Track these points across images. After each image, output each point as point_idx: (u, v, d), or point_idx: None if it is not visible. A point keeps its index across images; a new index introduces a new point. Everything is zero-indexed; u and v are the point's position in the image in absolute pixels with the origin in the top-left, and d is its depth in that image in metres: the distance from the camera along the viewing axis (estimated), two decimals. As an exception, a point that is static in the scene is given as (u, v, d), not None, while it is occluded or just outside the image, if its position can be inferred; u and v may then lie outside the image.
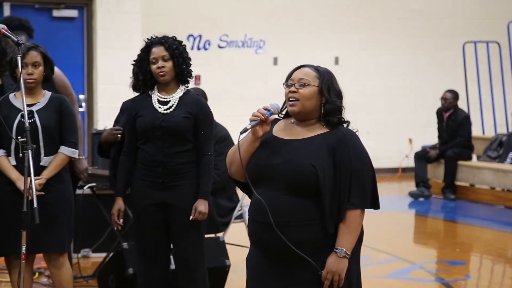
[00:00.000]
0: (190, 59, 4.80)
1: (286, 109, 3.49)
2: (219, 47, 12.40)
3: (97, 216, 6.63)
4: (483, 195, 10.86)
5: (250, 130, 3.40)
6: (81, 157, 5.28)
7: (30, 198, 4.23)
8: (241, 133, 3.40)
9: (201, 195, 4.73)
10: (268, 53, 12.74)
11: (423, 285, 6.75)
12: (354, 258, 3.42)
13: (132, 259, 5.55)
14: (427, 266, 7.47)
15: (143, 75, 4.76)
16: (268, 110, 3.41)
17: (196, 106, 4.74)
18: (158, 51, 4.71)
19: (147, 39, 4.82)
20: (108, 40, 10.62)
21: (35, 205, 4.00)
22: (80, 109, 7.02)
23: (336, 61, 12.92)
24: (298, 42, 12.67)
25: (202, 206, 4.72)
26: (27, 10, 10.62)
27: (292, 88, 3.42)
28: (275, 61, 12.77)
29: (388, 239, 8.35)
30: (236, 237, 7.07)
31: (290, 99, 3.42)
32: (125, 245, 5.66)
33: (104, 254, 6.46)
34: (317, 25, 12.81)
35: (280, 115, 3.52)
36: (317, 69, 3.46)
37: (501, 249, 8.37)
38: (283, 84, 3.48)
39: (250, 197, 3.50)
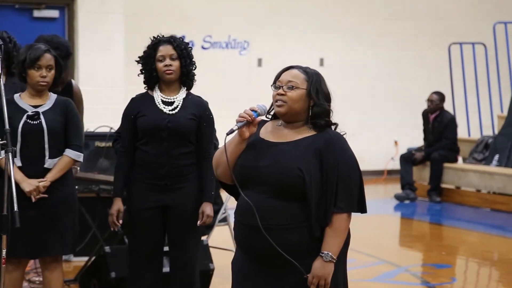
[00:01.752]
0: (194, 62, 4.77)
1: (273, 111, 3.45)
2: (203, 48, 12.33)
3: (79, 220, 6.53)
4: (469, 197, 10.84)
5: (236, 131, 3.35)
6: (76, 168, 5.23)
7: (34, 200, 4.45)
8: (228, 134, 3.36)
9: (207, 198, 4.72)
10: (252, 54, 12.68)
11: (409, 288, 6.72)
12: (341, 262, 3.38)
13: (114, 263, 5.49)
14: (413, 269, 7.43)
15: (148, 73, 4.71)
16: (255, 111, 3.37)
17: (200, 108, 4.73)
18: (166, 49, 4.67)
19: (153, 37, 4.77)
20: (90, 41, 10.53)
21: (16, 208, 3.93)
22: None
23: (321, 62, 12.88)
24: (282, 43, 12.62)
25: (209, 209, 4.71)
26: (7, 10, 10.51)
27: (280, 91, 3.38)
28: (259, 62, 12.71)
29: (374, 242, 8.31)
30: (220, 241, 7.02)
31: (278, 101, 3.38)
32: (107, 248, 5.61)
33: (86, 258, 6.38)
34: (302, 26, 12.77)
35: (267, 116, 3.48)
36: (305, 71, 3.42)
37: (487, 252, 8.34)
38: (271, 85, 3.43)
39: (236, 200, 3.46)
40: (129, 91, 10.44)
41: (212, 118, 4.80)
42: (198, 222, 4.70)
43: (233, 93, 12.22)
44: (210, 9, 12.39)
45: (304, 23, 12.79)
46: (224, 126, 3.39)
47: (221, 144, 3.43)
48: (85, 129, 5.88)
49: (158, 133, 4.64)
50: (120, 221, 4.73)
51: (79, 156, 4.75)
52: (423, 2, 13.36)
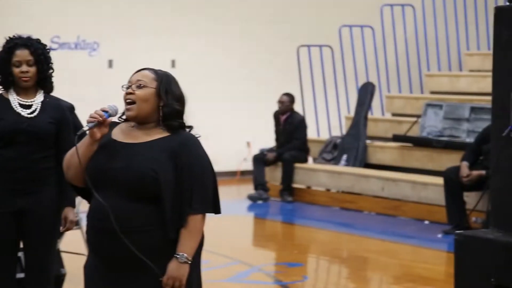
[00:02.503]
0: (52, 64, 4.66)
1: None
2: (51, 49, 11.98)
3: None
4: (319, 196, 11.09)
5: (86, 131, 3.29)
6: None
7: None
8: (78, 135, 3.30)
9: (69, 203, 4.62)
10: (102, 55, 12.49)
11: (262, 287, 6.78)
12: (195, 262, 3.38)
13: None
14: (266, 268, 7.53)
15: (4, 77, 4.55)
16: (106, 112, 3.32)
17: (59, 112, 4.62)
18: (22, 54, 4.52)
19: (9, 37, 4.59)
20: None
21: None
22: None
23: (173, 63, 12.85)
24: (134, 44, 12.50)
25: (72, 214, 4.62)
26: None
27: (129, 90, 3.35)
28: (110, 63, 12.54)
29: (228, 243, 8.36)
30: (72, 245, 6.86)
31: (127, 100, 3.35)
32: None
33: None
34: (154, 27, 12.69)
35: (120, 119, 3.43)
36: (156, 71, 3.41)
37: (337, 250, 8.55)
38: (122, 87, 3.39)
39: (89, 202, 3.40)
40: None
41: (71, 121, 4.71)
42: (61, 228, 4.61)
43: (83, 95, 11.97)
44: (58, 9, 12.12)
45: (156, 24, 12.71)
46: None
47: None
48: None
49: (15, 136, 4.50)
50: None
51: None
52: (273, 6, 13.56)
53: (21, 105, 4.56)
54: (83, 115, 3.35)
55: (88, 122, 3.29)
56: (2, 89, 4.63)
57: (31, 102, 4.58)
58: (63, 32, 12.13)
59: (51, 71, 4.66)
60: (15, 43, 4.56)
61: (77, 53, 12.31)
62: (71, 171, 3.37)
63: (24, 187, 4.52)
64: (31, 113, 4.56)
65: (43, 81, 4.61)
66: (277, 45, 13.49)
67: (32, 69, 4.55)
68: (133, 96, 3.33)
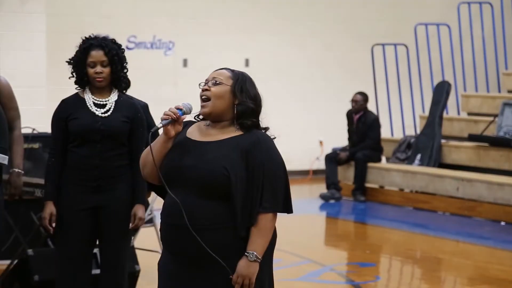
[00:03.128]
0: (127, 64, 4.72)
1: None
2: (127, 48, 12.22)
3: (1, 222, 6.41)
4: (392, 196, 11.00)
5: (161, 129, 3.32)
6: (19, 171, 5.10)
7: None
8: (152, 132, 3.33)
9: (139, 200, 4.67)
10: (177, 54, 12.62)
11: (334, 287, 6.78)
12: (266, 261, 3.38)
13: (37, 266, 5.41)
14: (338, 268, 7.51)
15: (79, 77, 4.64)
16: (180, 109, 3.35)
17: (132, 110, 4.69)
18: (97, 55, 4.61)
19: (85, 37, 4.68)
20: (11, 41, 10.33)
21: None
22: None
23: (247, 63, 12.91)
24: (208, 43, 12.60)
25: (141, 211, 4.67)
26: None
27: (205, 86, 3.38)
28: (185, 62, 12.67)
29: (300, 242, 8.36)
30: (146, 242, 6.96)
31: (202, 97, 3.37)
32: (30, 251, 5.51)
33: (8, 261, 6.25)
34: (227, 26, 12.77)
35: (196, 118, 3.46)
36: (232, 70, 3.44)
37: (410, 250, 8.48)
38: (199, 85, 3.42)
39: (163, 199, 3.43)
40: (51, 91, 10.29)
41: (145, 120, 4.77)
42: (130, 225, 4.66)
43: (158, 94, 12.15)
44: (134, 8, 12.29)
45: (229, 24, 12.79)
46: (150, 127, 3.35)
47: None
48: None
49: (91, 136, 4.59)
50: (53, 225, 4.64)
51: (4, 159, 4.63)
52: (347, 4, 13.50)
53: (96, 105, 4.64)
54: (159, 114, 3.39)
55: (162, 119, 3.32)
56: (79, 88, 4.73)
57: (105, 101, 4.65)
58: (139, 32, 12.31)
59: (125, 70, 4.71)
60: (90, 43, 4.63)
61: (153, 53, 12.47)
62: (147, 168, 3.40)
63: (99, 184, 4.60)
64: (105, 112, 4.63)
65: (117, 80, 4.67)
66: (351, 44, 13.43)
67: (106, 70, 4.62)
68: (208, 93, 3.36)
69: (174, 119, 3.32)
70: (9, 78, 11.24)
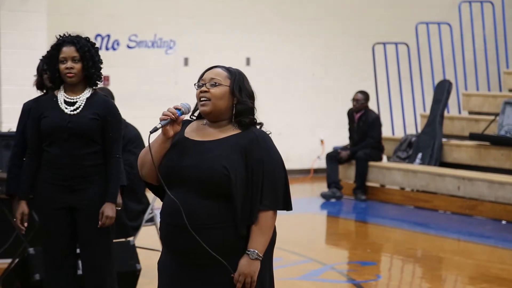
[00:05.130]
0: (101, 62, 4.68)
1: (197, 111, 3.43)
2: (128, 47, 12.22)
3: (1, 221, 6.41)
4: (393, 195, 11.00)
5: (160, 129, 3.32)
6: None
7: None
8: (151, 132, 3.32)
9: (109, 198, 4.63)
10: (178, 53, 12.62)
11: (335, 286, 6.77)
12: (267, 260, 3.38)
13: (38, 265, 5.41)
14: (339, 267, 7.50)
15: (51, 73, 4.63)
16: (179, 110, 3.35)
17: (104, 108, 4.64)
18: (68, 51, 4.59)
19: (60, 36, 4.68)
20: (12, 40, 10.33)
21: None
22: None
23: (248, 62, 12.91)
24: (209, 42, 12.60)
25: (109, 210, 4.61)
26: None
27: (203, 88, 3.37)
28: (186, 61, 12.67)
29: (300, 241, 8.36)
30: (147, 241, 6.97)
31: (202, 99, 3.37)
32: (31, 250, 5.51)
33: (9, 260, 6.25)
34: (228, 25, 12.77)
35: (192, 116, 3.46)
36: (228, 69, 3.42)
37: (411, 249, 8.47)
38: (194, 84, 3.41)
39: (162, 200, 3.43)
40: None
41: (119, 117, 4.71)
42: (99, 224, 4.60)
43: (159, 93, 12.15)
44: (135, 7, 12.29)
45: (230, 23, 12.79)
46: (150, 126, 3.36)
47: (145, 143, 3.40)
48: (8, 129, 5.77)
49: (58, 134, 4.57)
50: (25, 224, 4.64)
51: None
52: (348, 3, 13.50)
53: (66, 102, 4.61)
54: (160, 112, 3.39)
55: (161, 120, 3.32)
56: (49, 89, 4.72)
57: (76, 99, 4.62)
58: (140, 31, 12.31)
59: (97, 69, 4.64)
60: (62, 40, 4.63)
61: (154, 51, 12.47)
62: (145, 169, 3.40)
63: (70, 184, 4.58)
64: (75, 110, 4.60)
65: (89, 78, 4.63)
66: (352, 43, 13.43)
67: (77, 66, 4.58)
68: (207, 95, 3.35)
69: (173, 120, 3.32)
70: (11, 77, 11.31)
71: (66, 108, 4.59)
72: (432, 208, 10.32)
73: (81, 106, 4.60)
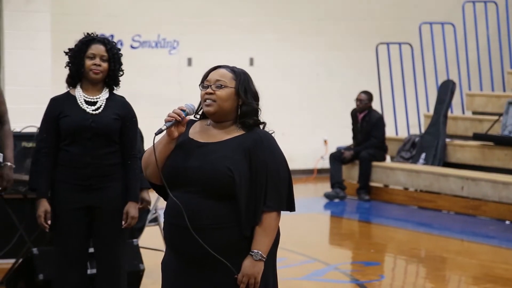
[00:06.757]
0: (122, 67, 4.73)
1: (202, 111, 3.42)
2: (132, 47, 12.23)
3: (5, 221, 6.42)
4: (397, 195, 10.99)
5: (165, 131, 3.32)
6: (11, 165, 5.12)
7: None
8: (156, 134, 3.32)
9: (133, 197, 4.67)
10: (182, 53, 12.63)
11: (338, 286, 6.77)
12: (270, 260, 3.38)
13: (42, 265, 5.41)
14: (342, 267, 7.50)
15: (76, 67, 4.63)
16: (184, 111, 3.34)
17: (124, 108, 4.70)
18: (98, 49, 4.63)
19: (87, 33, 4.70)
20: (16, 40, 10.35)
21: None
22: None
23: (251, 62, 12.91)
24: (212, 42, 12.61)
25: (133, 210, 4.66)
26: None
27: (209, 90, 3.36)
28: (189, 62, 12.67)
29: (304, 241, 8.36)
30: (151, 241, 6.97)
31: (207, 100, 3.36)
32: (35, 250, 5.51)
33: (12, 261, 6.26)
34: (232, 25, 12.77)
35: (196, 116, 3.45)
36: (233, 70, 3.41)
37: (415, 249, 8.47)
38: (199, 85, 3.41)
39: (165, 200, 3.43)
40: (55, 90, 10.28)
41: (136, 118, 4.77)
42: (123, 224, 4.65)
43: (163, 93, 12.16)
44: (139, 7, 12.30)
45: (234, 23, 12.79)
46: (154, 127, 3.36)
47: (149, 144, 3.40)
48: (12, 129, 5.76)
49: (81, 133, 4.58)
50: (49, 222, 4.65)
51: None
52: (352, 3, 13.50)
53: (87, 102, 4.63)
54: (163, 112, 3.39)
55: (166, 121, 3.32)
56: (69, 87, 4.71)
57: (97, 98, 4.65)
58: (143, 31, 12.32)
59: (120, 73, 4.71)
60: (93, 37, 4.66)
61: (157, 52, 12.47)
62: (149, 169, 3.40)
63: (91, 183, 4.59)
64: (96, 109, 4.62)
65: (111, 79, 4.67)
66: (356, 43, 13.42)
67: (104, 65, 4.62)
68: (213, 96, 3.34)
69: (178, 121, 3.32)
70: (14, 77, 11.35)
71: (88, 108, 4.61)
72: (435, 208, 10.31)
73: (102, 106, 4.63)
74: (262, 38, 12.94)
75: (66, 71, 4.73)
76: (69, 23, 11.43)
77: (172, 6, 12.45)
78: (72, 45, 4.74)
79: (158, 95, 12.13)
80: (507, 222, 9.37)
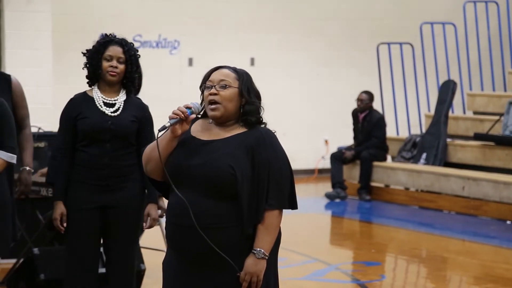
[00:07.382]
0: (140, 70, 4.75)
1: (203, 110, 3.42)
2: (133, 47, 12.21)
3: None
4: (398, 195, 10.99)
5: (169, 128, 3.32)
6: (30, 169, 5.12)
7: None
8: (160, 130, 3.32)
9: (152, 199, 4.70)
10: (183, 53, 12.63)
11: (339, 286, 6.77)
12: (272, 259, 3.38)
13: (43, 265, 5.41)
14: (343, 267, 7.50)
15: (94, 68, 4.63)
16: (189, 109, 3.34)
17: (141, 110, 4.70)
18: (115, 50, 4.62)
19: (105, 34, 4.70)
20: (17, 40, 10.35)
21: None
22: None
23: (252, 62, 12.91)
24: (213, 42, 12.61)
25: (154, 211, 4.70)
26: None
27: (213, 90, 3.35)
28: (190, 61, 12.67)
29: (305, 241, 8.36)
30: (151, 241, 6.97)
31: (211, 101, 3.35)
32: (35, 250, 5.51)
33: (13, 261, 6.26)
34: (233, 25, 12.77)
35: (198, 115, 3.44)
36: (235, 70, 3.42)
37: (415, 249, 8.47)
38: (201, 86, 3.40)
39: (166, 198, 3.43)
40: (57, 90, 10.30)
41: (152, 119, 4.78)
42: (144, 225, 4.68)
43: (164, 93, 12.15)
44: (140, 8, 12.30)
45: (235, 23, 12.80)
46: (155, 126, 3.36)
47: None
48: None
49: (100, 135, 4.59)
50: (65, 224, 4.64)
51: (12, 158, 4.62)
52: (353, 3, 13.50)
53: (105, 103, 4.64)
54: (163, 113, 3.39)
55: (171, 118, 3.31)
56: (87, 87, 4.72)
57: (115, 100, 4.65)
58: (144, 31, 12.32)
59: (137, 75, 4.72)
60: (110, 39, 4.66)
61: (158, 52, 12.48)
62: (151, 165, 3.39)
63: (109, 183, 4.60)
64: (115, 111, 4.63)
65: (129, 81, 4.67)
66: (357, 43, 13.42)
67: (121, 67, 4.62)
68: (217, 97, 3.34)
69: (183, 119, 3.32)
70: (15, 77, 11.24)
71: (106, 110, 4.61)
72: (436, 208, 10.31)
73: (121, 108, 4.64)
74: (263, 38, 12.94)
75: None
76: (70, 23, 11.44)
77: (173, 6, 12.45)
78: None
79: (159, 95, 12.11)
80: (508, 222, 9.37)
